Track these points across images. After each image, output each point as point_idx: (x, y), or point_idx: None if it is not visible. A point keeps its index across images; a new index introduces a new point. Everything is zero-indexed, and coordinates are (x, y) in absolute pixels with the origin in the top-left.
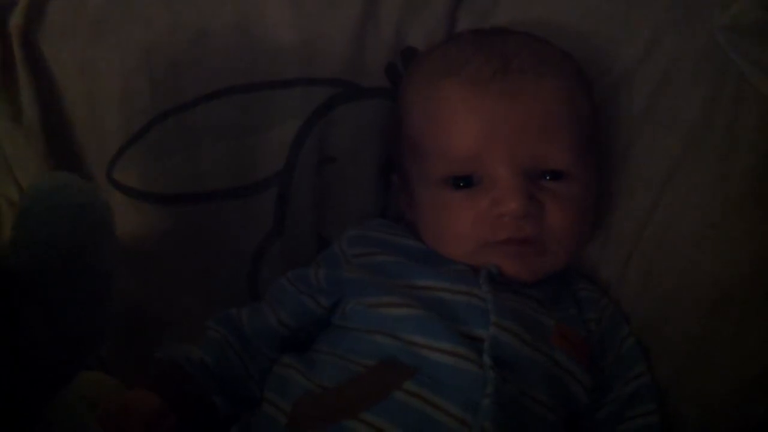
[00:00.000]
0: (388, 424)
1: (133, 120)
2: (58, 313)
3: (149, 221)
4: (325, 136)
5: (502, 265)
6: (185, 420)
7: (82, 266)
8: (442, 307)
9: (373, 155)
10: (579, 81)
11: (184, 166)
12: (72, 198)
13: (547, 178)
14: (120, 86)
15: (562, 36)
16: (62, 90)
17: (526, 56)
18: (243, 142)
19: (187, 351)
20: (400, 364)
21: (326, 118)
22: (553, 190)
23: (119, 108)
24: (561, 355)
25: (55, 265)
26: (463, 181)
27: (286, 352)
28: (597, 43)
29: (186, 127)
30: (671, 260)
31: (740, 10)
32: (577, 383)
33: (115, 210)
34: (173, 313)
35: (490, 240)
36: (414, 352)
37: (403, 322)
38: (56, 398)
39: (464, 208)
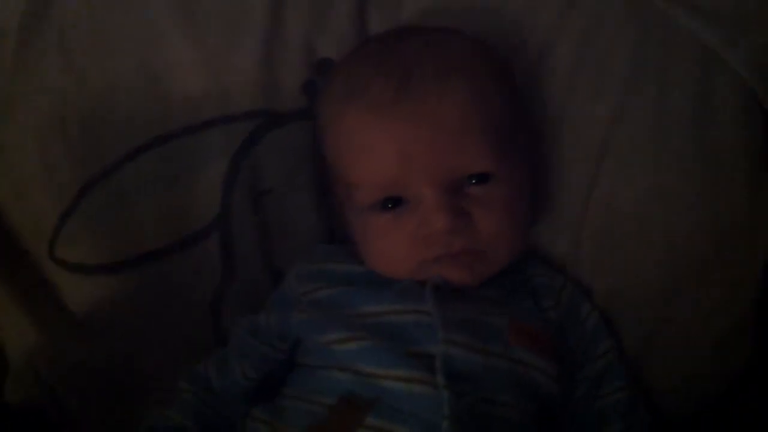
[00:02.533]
0: None
1: (61, 195)
2: None
3: (101, 292)
4: (255, 169)
5: (446, 273)
6: None
7: None
8: (391, 331)
9: (309, 178)
10: (490, 74)
11: (121, 231)
12: None
13: (473, 182)
14: (39, 163)
15: (473, 16)
16: None
17: (427, 63)
18: (173, 194)
19: (167, 420)
20: (359, 399)
21: (253, 152)
22: (479, 197)
23: (44, 186)
24: (520, 352)
25: None
26: (391, 203)
27: (256, 403)
28: (510, 17)
29: (113, 191)
30: (622, 226)
31: None
32: (542, 375)
33: (66, 287)
34: (143, 376)
35: (425, 258)
36: (371, 384)
37: (356, 354)
38: None
39: (394, 230)
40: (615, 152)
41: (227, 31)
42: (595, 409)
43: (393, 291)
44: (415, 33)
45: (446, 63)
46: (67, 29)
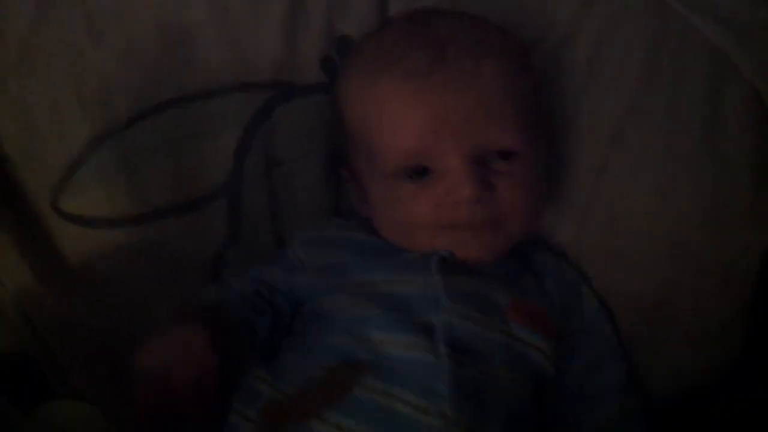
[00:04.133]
0: (349, 421)
1: (71, 149)
2: None
3: (103, 246)
4: (269, 140)
5: (460, 248)
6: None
7: None
8: (396, 300)
9: (320, 153)
10: (518, 58)
11: (127, 187)
12: None
13: (498, 158)
14: (52, 117)
15: (495, 6)
16: None
17: (461, 40)
18: (184, 156)
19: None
20: (358, 361)
21: (267, 122)
22: (503, 171)
23: (55, 139)
24: (518, 330)
25: None
26: (415, 173)
27: (256, 365)
28: (531, 9)
29: (124, 148)
30: (627, 218)
31: None
32: (538, 353)
33: (66, 240)
34: (142, 334)
35: (447, 225)
36: (371, 349)
37: (359, 320)
38: None
39: (419, 197)
40: (625, 146)
41: (250, 0)
42: (593, 386)
43: (401, 262)
44: (442, 13)
45: (479, 40)
46: None
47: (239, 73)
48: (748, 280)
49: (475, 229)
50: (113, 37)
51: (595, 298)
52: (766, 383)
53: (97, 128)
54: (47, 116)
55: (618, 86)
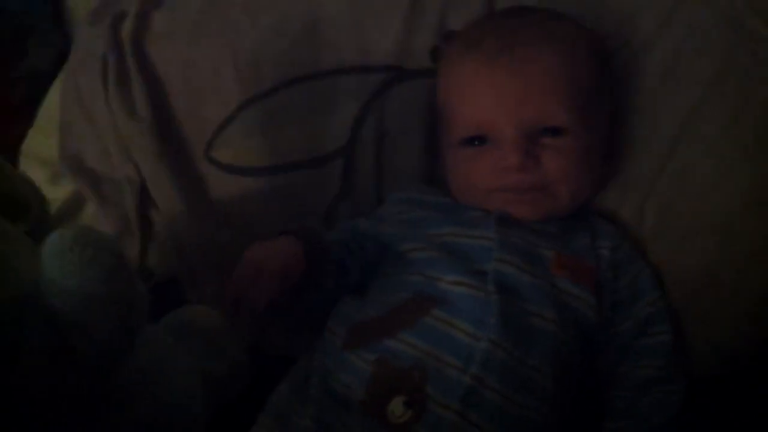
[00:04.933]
0: (417, 340)
1: (224, 109)
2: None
3: (240, 190)
4: (381, 114)
5: (510, 208)
6: (309, 276)
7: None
8: (457, 249)
9: (422, 128)
10: (586, 47)
11: (266, 143)
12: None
13: (548, 135)
14: (213, 80)
15: (588, 9)
16: (166, 86)
17: (532, 30)
18: (313, 121)
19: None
20: (427, 295)
21: (381, 99)
22: (551, 145)
23: (213, 98)
24: (561, 282)
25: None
26: (478, 141)
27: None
28: (619, 16)
29: (267, 111)
30: (685, 202)
31: None
32: (581, 303)
33: (213, 182)
34: None
35: (500, 188)
36: (437, 286)
37: (427, 263)
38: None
39: (477, 162)
40: (691, 138)
41: None
42: (640, 345)
43: (467, 218)
44: (531, 9)
45: (549, 31)
46: None
47: (362, 58)
48: None
49: (522, 193)
50: (266, 18)
51: (648, 268)
52: None
53: (247, 92)
54: (209, 78)
55: (690, 85)
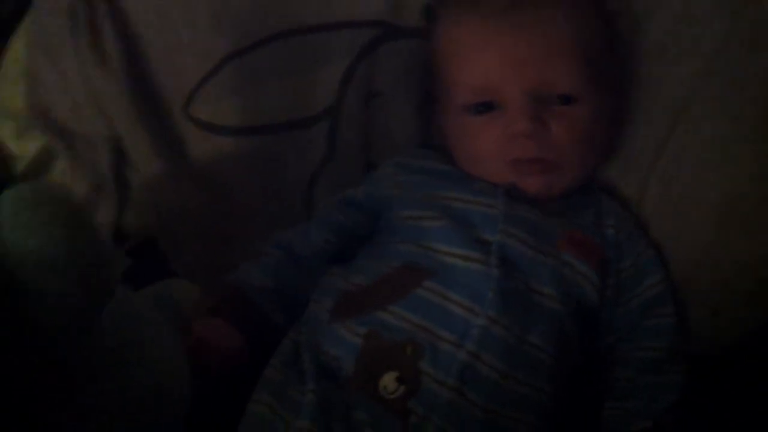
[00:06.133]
0: (409, 314)
1: (204, 63)
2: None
3: (219, 151)
4: (370, 73)
5: (518, 181)
6: (250, 339)
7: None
8: (461, 216)
9: (414, 89)
10: (594, 14)
11: (248, 102)
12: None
13: (558, 102)
14: (190, 32)
15: None
16: (142, 39)
17: None
18: (298, 80)
19: (250, 278)
20: (422, 266)
21: (370, 57)
22: (561, 113)
23: (192, 52)
24: (567, 257)
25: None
26: (482, 107)
27: (333, 264)
28: None
29: (249, 68)
30: (685, 179)
31: None
32: (584, 279)
33: (191, 141)
34: (238, 230)
35: (504, 158)
36: (433, 257)
37: (427, 232)
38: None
39: (483, 130)
40: (693, 113)
41: None
42: (642, 326)
43: (473, 188)
44: None
45: None
46: None
47: (351, 12)
48: None
49: (530, 165)
50: None
51: (652, 249)
52: None
53: (227, 46)
54: (189, 31)
55: (693, 54)
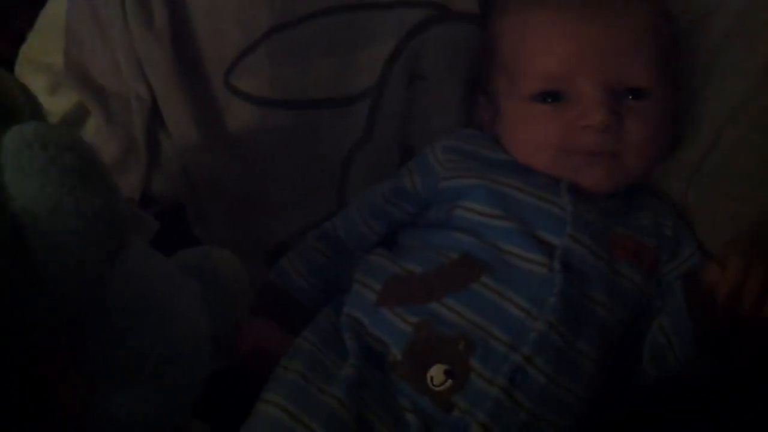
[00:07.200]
0: (464, 309)
1: (249, 33)
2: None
3: (257, 122)
4: (416, 55)
5: (581, 175)
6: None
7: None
8: (525, 212)
9: (460, 75)
10: (663, 11)
11: (291, 75)
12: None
13: (630, 96)
14: (238, 2)
15: None
16: (188, 4)
17: None
18: (343, 58)
19: (299, 281)
20: (480, 260)
21: (419, 38)
22: (633, 108)
23: (237, 21)
24: (622, 265)
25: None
26: (551, 97)
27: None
28: None
29: (295, 41)
30: (732, 183)
31: None
32: (636, 288)
33: (229, 110)
34: (268, 204)
35: (573, 150)
36: (492, 253)
37: (489, 228)
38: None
39: (551, 120)
40: (739, 125)
41: None
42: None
43: (532, 179)
44: None
45: None
46: None
47: None
48: None
49: (595, 157)
50: None
51: (699, 250)
52: None
53: (275, 18)
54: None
55: (743, 69)
